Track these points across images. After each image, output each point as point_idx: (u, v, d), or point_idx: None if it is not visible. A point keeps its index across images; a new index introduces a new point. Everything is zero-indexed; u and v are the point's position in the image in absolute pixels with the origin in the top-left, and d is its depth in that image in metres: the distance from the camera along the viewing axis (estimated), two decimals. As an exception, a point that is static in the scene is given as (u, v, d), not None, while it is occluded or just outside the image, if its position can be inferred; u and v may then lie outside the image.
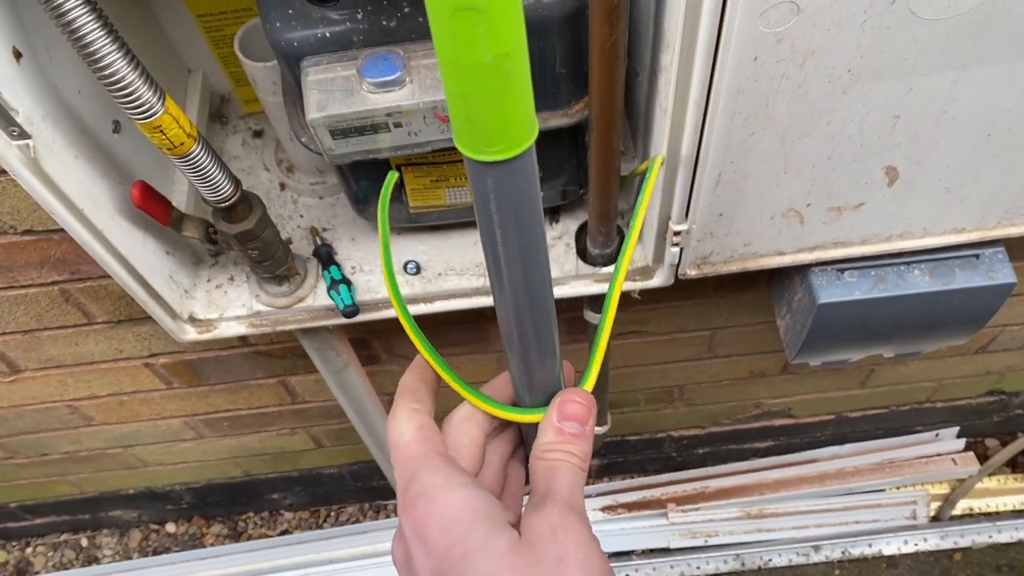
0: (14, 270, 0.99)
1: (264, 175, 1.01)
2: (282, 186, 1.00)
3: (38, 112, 0.67)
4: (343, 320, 0.94)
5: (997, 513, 1.86)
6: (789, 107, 0.70)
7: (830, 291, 0.96)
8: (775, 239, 0.88)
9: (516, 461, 0.54)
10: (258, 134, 1.03)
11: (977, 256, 0.96)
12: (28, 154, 0.66)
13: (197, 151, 0.70)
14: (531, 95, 0.29)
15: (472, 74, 0.27)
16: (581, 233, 0.94)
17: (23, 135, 0.65)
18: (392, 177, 0.48)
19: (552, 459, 0.46)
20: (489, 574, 0.40)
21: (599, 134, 0.72)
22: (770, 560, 1.82)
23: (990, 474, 1.85)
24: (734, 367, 1.45)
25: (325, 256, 0.94)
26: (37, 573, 2.06)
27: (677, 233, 0.84)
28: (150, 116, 0.65)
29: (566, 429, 0.47)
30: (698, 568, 1.82)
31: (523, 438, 0.54)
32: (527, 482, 0.53)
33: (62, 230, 0.92)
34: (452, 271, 0.95)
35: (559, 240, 0.95)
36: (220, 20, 0.91)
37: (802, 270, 0.98)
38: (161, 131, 0.67)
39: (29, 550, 2.09)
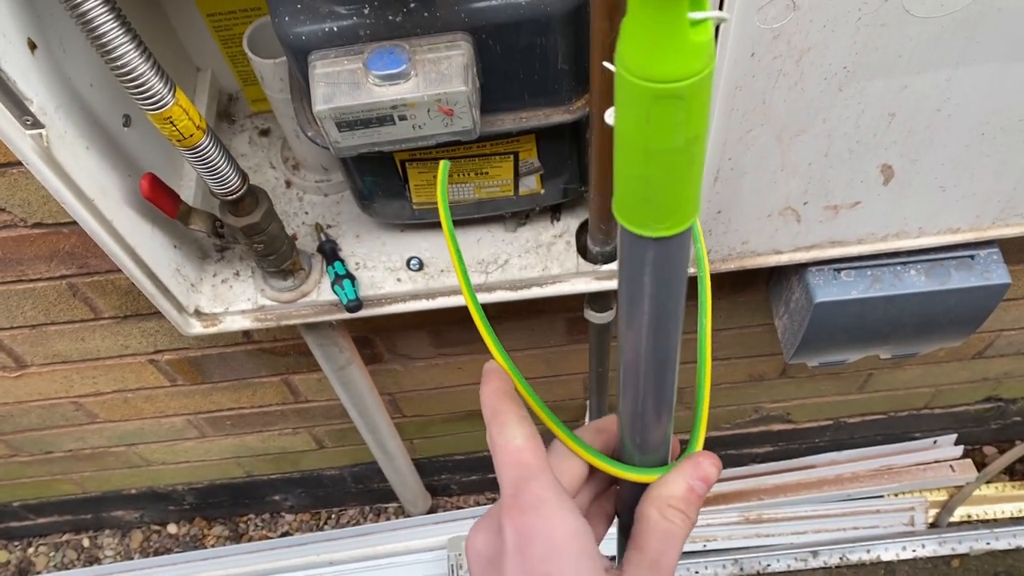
0: (23, 263, 1.01)
1: (270, 173, 1.02)
2: (288, 183, 1.02)
3: (51, 103, 0.68)
4: (347, 315, 0.95)
5: (995, 520, 1.86)
6: (786, 104, 0.71)
7: (827, 290, 0.97)
8: (772, 237, 0.89)
9: (603, 501, 0.53)
10: (264, 132, 1.05)
11: (972, 257, 0.97)
12: (41, 144, 0.68)
13: (206, 143, 0.72)
14: (703, 173, 0.29)
15: (661, 158, 0.27)
16: (582, 231, 0.96)
17: (36, 124, 0.67)
18: (445, 166, 0.48)
19: (673, 520, 0.45)
20: None
21: (600, 131, 0.73)
22: (768, 565, 1.82)
23: (988, 481, 1.85)
24: (733, 370, 1.46)
25: (330, 252, 0.96)
26: (39, 573, 2.06)
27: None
28: (161, 107, 0.66)
29: (697, 489, 0.45)
30: (696, 573, 1.83)
31: (618, 485, 0.53)
32: (608, 525, 0.53)
33: (71, 223, 0.94)
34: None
35: (559, 238, 0.97)
36: (229, 19, 0.93)
37: (799, 270, 0.99)
38: (171, 122, 0.68)
39: (31, 550, 2.09)
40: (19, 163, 0.87)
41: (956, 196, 0.86)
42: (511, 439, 0.45)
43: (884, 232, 0.91)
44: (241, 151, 1.04)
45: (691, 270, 0.36)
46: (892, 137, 0.77)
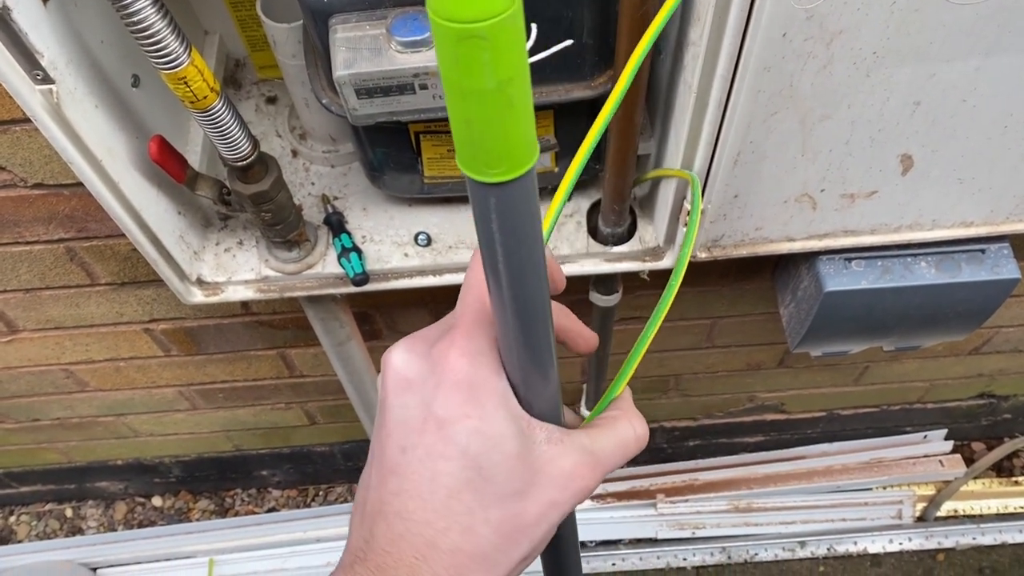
0: (20, 225, 0.99)
1: (276, 142, 1.01)
2: (294, 153, 1.00)
3: (62, 57, 0.66)
4: (352, 289, 0.94)
5: (981, 516, 1.88)
6: (813, 87, 0.70)
7: (837, 279, 0.96)
8: (787, 224, 0.88)
9: None
10: (271, 100, 1.03)
11: (983, 251, 0.97)
12: (51, 100, 0.66)
13: (219, 106, 0.70)
14: (532, 118, 0.30)
15: (476, 99, 0.28)
16: (593, 211, 0.94)
17: (47, 80, 0.65)
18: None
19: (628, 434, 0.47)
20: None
21: (622, 108, 0.72)
22: (756, 554, 1.83)
23: (975, 477, 1.86)
24: (731, 358, 1.45)
25: (336, 224, 0.94)
26: (20, 542, 2.04)
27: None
28: (176, 67, 0.64)
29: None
30: (684, 560, 1.83)
31: None
32: None
33: (73, 185, 0.92)
34: (463, 244, 0.95)
35: (570, 218, 0.95)
36: (240, -18, 0.91)
37: (810, 258, 0.98)
38: (186, 83, 0.66)
39: (12, 518, 2.07)
40: (22, 120, 0.85)
41: (973, 189, 0.85)
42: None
43: (898, 223, 0.90)
44: (247, 119, 1.01)
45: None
46: (915, 126, 0.76)
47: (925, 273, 0.97)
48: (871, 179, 0.83)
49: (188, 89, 0.67)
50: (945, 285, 0.97)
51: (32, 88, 0.65)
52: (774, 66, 0.67)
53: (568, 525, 0.56)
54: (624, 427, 0.47)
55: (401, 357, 0.43)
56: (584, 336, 0.49)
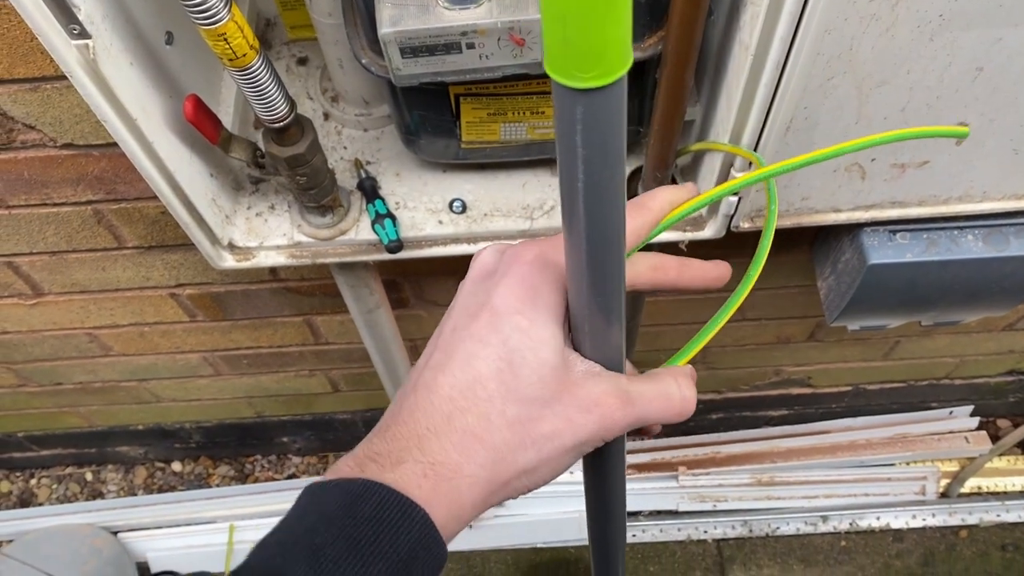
0: (48, 186, 0.97)
1: (308, 104, 0.98)
2: (326, 116, 0.98)
3: (99, 11, 0.64)
4: (384, 256, 0.92)
5: (1005, 493, 1.86)
6: (873, 52, 0.68)
7: (882, 252, 0.94)
8: (834, 194, 0.86)
9: None
10: (302, 61, 1.01)
11: (1033, 224, 0.94)
12: (87, 55, 0.64)
13: (258, 64, 0.68)
14: (630, 20, 0.28)
15: None
16: (633, 177, 0.92)
17: (83, 34, 0.63)
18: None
19: (675, 394, 0.47)
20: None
21: (673, 67, 0.70)
22: (778, 528, 1.82)
23: (1000, 454, 1.84)
24: (761, 331, 1.43)
25: (370, 189, 0.92)
26: (40, 504, 2.05)
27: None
28: (216, 22, 0.62)
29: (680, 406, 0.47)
30: (705, 532, 1.83)
31: None
32: None
33: (103, 145, 0.90)
34: (498, 212, 0.93)
35: (609, 185, 0.93)
36: (274, -62, 0.88)
37: (853, 230, 0.96)
38: (225, 39, 0.64)
39: (33, 481, 2.08)
40: (53, 78, 0.83)
41: (1029, 160, 0.83)
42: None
43: (947, 195, 0.87)
44: (278, 80, 0.99)
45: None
46: (975, 93, 0.74)
47: (972, 246, 0.94)
48: (924, 148, 0.80)
49: (228, 46, 0.65)
50: (993, 259, 0.94)
51: (68, 43, 0.63)
52: (835, 28, 0.65)
53: (614, 478, 0.54)
54: (668, 382, 0.46)
55: (488, 252, 0.47)
56: (704, 268, 0.50)
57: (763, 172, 0.52)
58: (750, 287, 0.51)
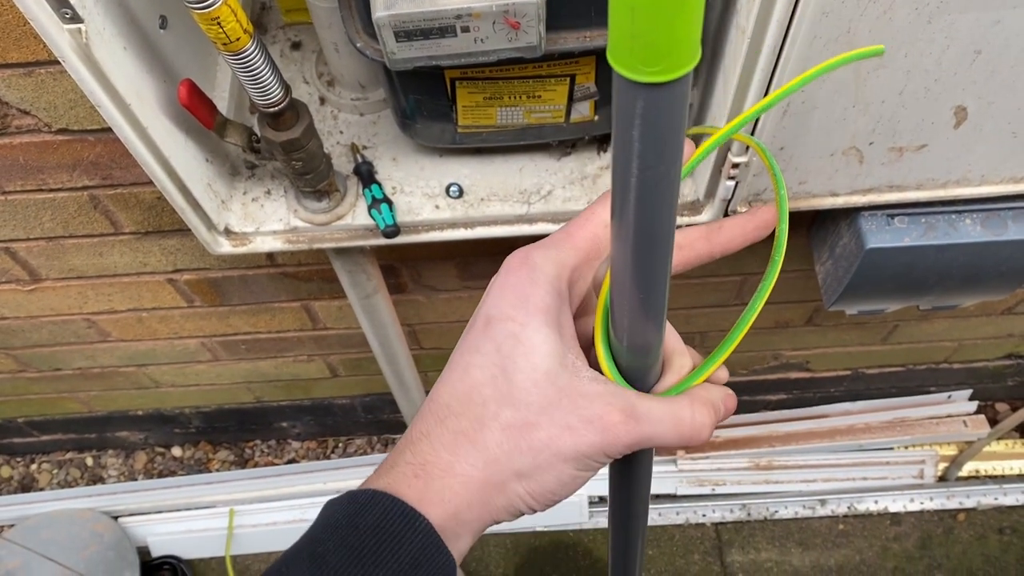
0: (44, 172, 0.97)
1: (303, 88, 0.98)
2: (322, 100, 0.97)
3: (91, -5, 0.63)
4: (382, 240, 0.92)
5: (1003, 476, 1.87)
6: (871, 34, 0.67)
7: (879, 236, 0.94)
8: (831, 178, 0.86)
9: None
10: (296, 46, 1.00)
11: (1032, 208, 0.94)
12: (80, 40, 0.63)
13: (252, 48, 0.68)
14: (702, 17, 0.27)
15: None
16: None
17: (76, 18, 0.62)
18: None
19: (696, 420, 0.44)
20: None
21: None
22: (776, 512, 1.83)
23: (999, 438, 1.85)
24: (760, 316, 1.42)
25: (366, 174, 0.92)
26: (41, 489, 2.06)
27: (735, 166, 0.81)
28: (209, 6, 0.62)
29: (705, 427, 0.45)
30: (704, 516, 1.83)
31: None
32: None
33: (98, 130, 0.90)
34: (495, 196, 0.92)
35: (605, 170, 0.93)
36: (268, -80, 0.87)
37: (851, 214, 0.96)
38: (218, 23, 0.64)
39: (34, 466, 2.09)
40: (47, 62, 0.82)
41: (1027, 143, 0.82)
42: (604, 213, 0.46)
43: (946, 178, 0.87)
44: (273, 64, 0.99)
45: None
46: (973, 76, 0.73)
47: (970, 231, 0.94)
48: (922, 132, 0.80)
49: (221, 30, 0.64)
50: (990, 243, 0.94)
51: (61, 27, 0.62)
52: (833, 11, 0.64)
53: (639, 481, 0.54)
54: (683, 405, 0.44)
55: (517, 254, 0.46)
56: (738, 224, 0.48)
57: (737, 122, 0.48)
58: (767, 294, 0.48)
